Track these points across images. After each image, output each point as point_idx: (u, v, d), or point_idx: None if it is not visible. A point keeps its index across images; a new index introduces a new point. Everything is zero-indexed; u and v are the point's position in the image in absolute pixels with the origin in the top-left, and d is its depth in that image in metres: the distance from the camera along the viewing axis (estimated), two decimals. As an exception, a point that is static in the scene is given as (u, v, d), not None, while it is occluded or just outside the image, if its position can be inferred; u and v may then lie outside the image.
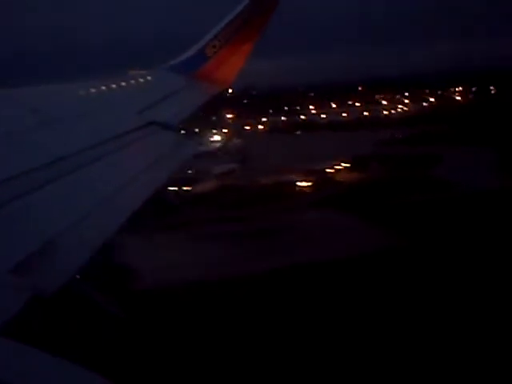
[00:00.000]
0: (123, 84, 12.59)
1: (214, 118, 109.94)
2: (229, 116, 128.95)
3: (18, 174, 5.96)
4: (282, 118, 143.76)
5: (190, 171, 69.68)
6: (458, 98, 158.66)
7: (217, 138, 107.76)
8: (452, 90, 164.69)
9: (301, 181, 76.32)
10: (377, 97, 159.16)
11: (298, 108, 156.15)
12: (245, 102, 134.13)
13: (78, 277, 5.81)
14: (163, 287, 42.85)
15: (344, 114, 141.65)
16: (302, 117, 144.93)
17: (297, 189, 75.47)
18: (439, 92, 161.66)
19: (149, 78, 13.93)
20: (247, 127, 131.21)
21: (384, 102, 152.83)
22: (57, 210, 5.88)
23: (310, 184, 76.16)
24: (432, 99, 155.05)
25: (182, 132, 11.29)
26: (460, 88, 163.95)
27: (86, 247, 5.53)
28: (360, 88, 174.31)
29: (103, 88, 11.67)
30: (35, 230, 5.26)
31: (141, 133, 9.51)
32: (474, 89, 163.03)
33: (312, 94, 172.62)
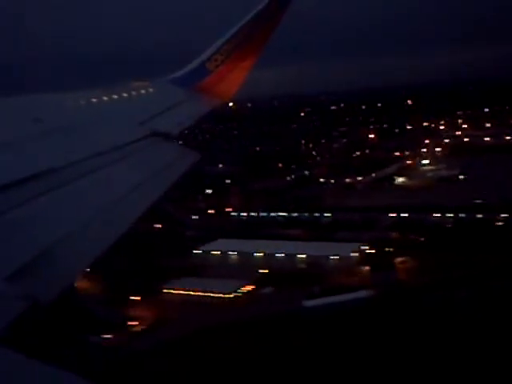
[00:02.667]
0: (125, 95, 12.49)
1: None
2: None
3: (17, 183, 5.85)
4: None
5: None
6: None
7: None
8: None
9: None
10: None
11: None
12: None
13: (75, 285, 5.37)
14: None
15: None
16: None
17: None
18: None
19: (150, 89, 13.86)
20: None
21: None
22: (56, 219, 5.77)
23: None
24: None
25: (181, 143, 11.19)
26: None
27: (84, 256, 5.45)
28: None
29: (105, 99, 11.58)
30: (34, 239, 5.15)
31: (142, 143, 9.41)
32: None
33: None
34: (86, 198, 6.64)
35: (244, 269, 78.32)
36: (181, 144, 10.91)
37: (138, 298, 72.07)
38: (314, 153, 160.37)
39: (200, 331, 63.37)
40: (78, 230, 5.75)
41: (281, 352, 58.93)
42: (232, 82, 14.87)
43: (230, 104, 16.46)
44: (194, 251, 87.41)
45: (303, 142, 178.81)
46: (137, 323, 66.72)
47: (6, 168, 6.35)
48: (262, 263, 79.96)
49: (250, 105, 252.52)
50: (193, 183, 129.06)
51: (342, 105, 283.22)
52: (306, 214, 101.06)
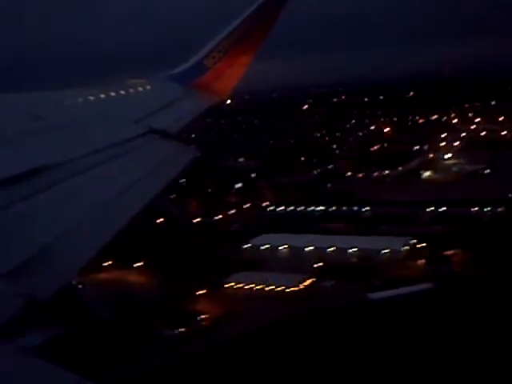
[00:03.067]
0: (122, 92, 12.48)
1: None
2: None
3: (14, 179, 5.91)
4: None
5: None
6: None
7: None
8: None
9: None
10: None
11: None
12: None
13: (73, 282, 6.37)
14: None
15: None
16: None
17: None
18: None
19: (148, 86, 13.86)
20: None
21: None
22: (53, 216, 5.82)
23: None
24: None
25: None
26: None
27: (82, 254, 5.48)
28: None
29: (102, 96, 11.60)
30: (31, 236, 5.21)
31: (139, 141, 9.46)
32: None
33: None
34: (83, 195, 6.70)
35: (299, 263, 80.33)
36: (178, 141, 10.70)
37: (202, 292, 73.88)
38: (333, 146, 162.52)
39: (268, 325, 65.14)
40: (75, 227, 5.81)
41: (350, 344, 60.91)
42: (230, 79, 14.91)
43: (228, 101, 16.45)
44: (244, 246, 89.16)
45: (318, 135, 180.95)
46: (205, 317, 68.47)
47: (3, 164, 6.37)
48: (315, 257, 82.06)
49: (248, 97, 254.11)
50: (215, 178, 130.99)
51: (343, 97, 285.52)
52: (344, 208, 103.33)
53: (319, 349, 60.27)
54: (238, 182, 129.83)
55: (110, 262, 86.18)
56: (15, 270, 4.47)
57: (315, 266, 79.32)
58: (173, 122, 11.41)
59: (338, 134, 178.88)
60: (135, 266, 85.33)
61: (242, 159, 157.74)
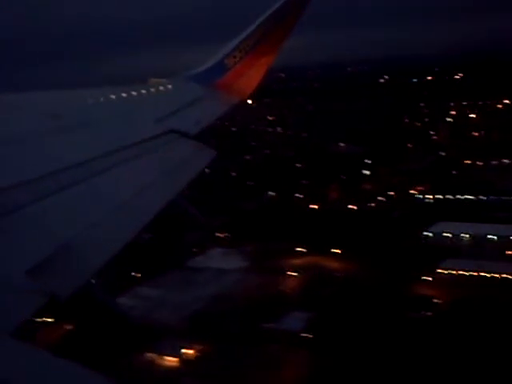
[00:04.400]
0: (144, 92, 12.56)
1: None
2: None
3: (36, 178, 6.07)
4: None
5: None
6: None
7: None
8: None
9: None
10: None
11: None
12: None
13: (93, 281, 5.97)
14: None
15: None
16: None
17: None
18: None
19: (169, 86, 13.91)
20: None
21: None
22: (74, 215, 5.95)
23: None
24: None
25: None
26: None
27: (102, 252, 5.55)
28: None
29: (124, 95, 11.72)
30: (53, 234, 5.36)
31: (160, 140, 9.53)
32: None
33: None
34: (103, 194, 6.77)
35: (493, 250, 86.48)
36: (198, 141, 10.67)
37: (424, 278, 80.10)
38: (430, 132, 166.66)
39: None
40: (97, 225, 5.91)
41: None
42: (251, 79, 14.73)
43: (249, 101, 15.99)
44: (424, 233, 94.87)
45: (406, 120, 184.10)
46: (439, 301, 74.19)
47: (26, 164, 6.52)
48: (506, 246, 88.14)
49: (283, 75, 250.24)
50: (332, 164, 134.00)
51: (387, 77, 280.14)
52: (493, 197, 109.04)
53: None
54: (355, 169, 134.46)
55: (302, 249, 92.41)
56: (36, 267, 4.55)
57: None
58: (193, 121, 11.42)
59: (425, 118, 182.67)
60: (332, 251, 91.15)
61: (342, 144, 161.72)
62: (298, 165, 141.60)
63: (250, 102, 16.08)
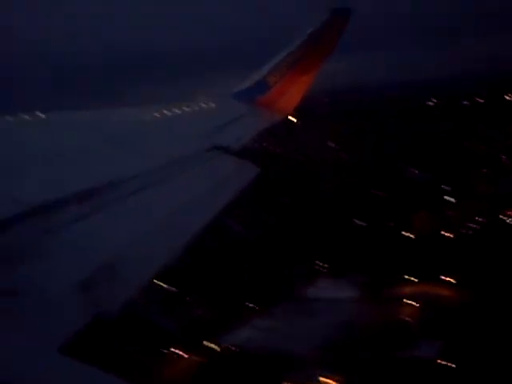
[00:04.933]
0: (188, 110, 13.04)
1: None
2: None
3: (82, 194, 6.18)
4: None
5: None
6: None
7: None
8: None
9: None
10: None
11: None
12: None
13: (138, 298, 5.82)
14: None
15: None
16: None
17: None
18: None
19: (213, 104, 14.49)
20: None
21: None
22: (120, 231, 6.06)
23: None
24: None
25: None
26: None
27: (149, 269, 5.62)
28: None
29: (169, 113, 12.12)
30: (99, 250, 5.43)
31: (204, 156, 9.77)
32: None
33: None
34: (148, 210, 6.85)
35: None
36: (241, 158, 10.75)
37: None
38: (498, 154, 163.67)
39: None
40: (141, 241, 5.95)
41: None
42: (292, 97, 15.16)
43: (292, 118, 16.17)
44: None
45: (465, 143, 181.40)
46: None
47: (70, 180, 6.68)
48: None
49: (327, 100, 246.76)
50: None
51: (435, 100, 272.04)
52: None
53: None
54: (437, 195, 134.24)
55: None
56: (83, 283, 4.57)
57: None
58: (236, 138, 11.66)
59: (488, 141, 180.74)
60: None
61: (414, 170, 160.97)
62: (376, 192, 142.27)
63: (293, 119, 16.25)
